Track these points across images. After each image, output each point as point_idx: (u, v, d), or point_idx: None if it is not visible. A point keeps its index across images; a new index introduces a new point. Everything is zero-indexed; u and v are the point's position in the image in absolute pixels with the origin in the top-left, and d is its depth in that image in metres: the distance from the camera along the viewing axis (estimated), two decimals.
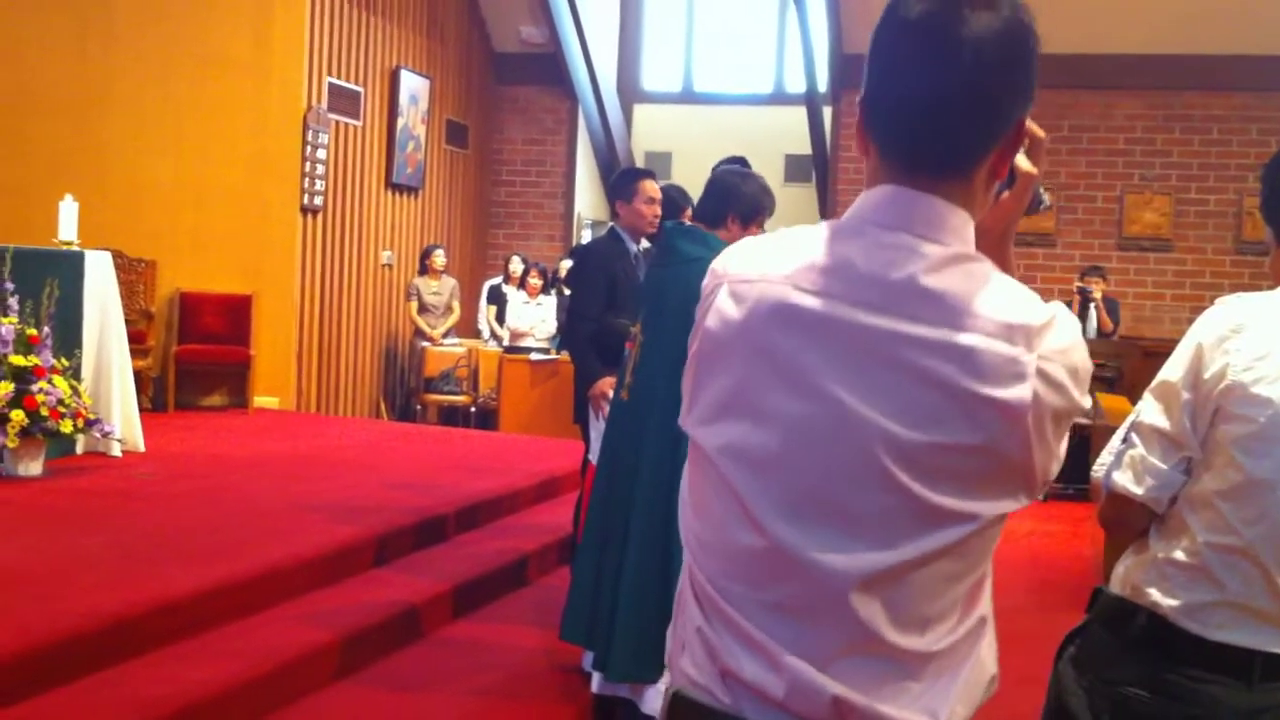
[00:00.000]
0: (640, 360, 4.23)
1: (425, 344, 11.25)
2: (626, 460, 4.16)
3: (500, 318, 11.55)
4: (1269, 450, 1.87)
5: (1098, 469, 2.07)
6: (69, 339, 6.65)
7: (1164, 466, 1.95)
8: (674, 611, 1.46)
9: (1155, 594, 1.96)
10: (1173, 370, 1.96)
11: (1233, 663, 1.90)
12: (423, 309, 11.36)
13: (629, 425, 4.20)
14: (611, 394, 4.64)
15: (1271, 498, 1.88)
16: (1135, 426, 2.00)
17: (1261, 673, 1.90)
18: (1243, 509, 1.89)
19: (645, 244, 5.46)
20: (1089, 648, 2.05)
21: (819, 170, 13.04)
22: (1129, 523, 2.03)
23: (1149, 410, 1.98)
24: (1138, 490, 1.97)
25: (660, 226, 5.15)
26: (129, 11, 9.41)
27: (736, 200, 4.24)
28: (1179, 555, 1.95)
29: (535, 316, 11.11)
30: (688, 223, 4.65)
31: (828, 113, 12.63)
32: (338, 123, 10.63)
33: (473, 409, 11.22)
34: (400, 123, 11.57)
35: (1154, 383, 1.98)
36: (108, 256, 7.16)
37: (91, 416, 6.39)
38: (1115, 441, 2.05)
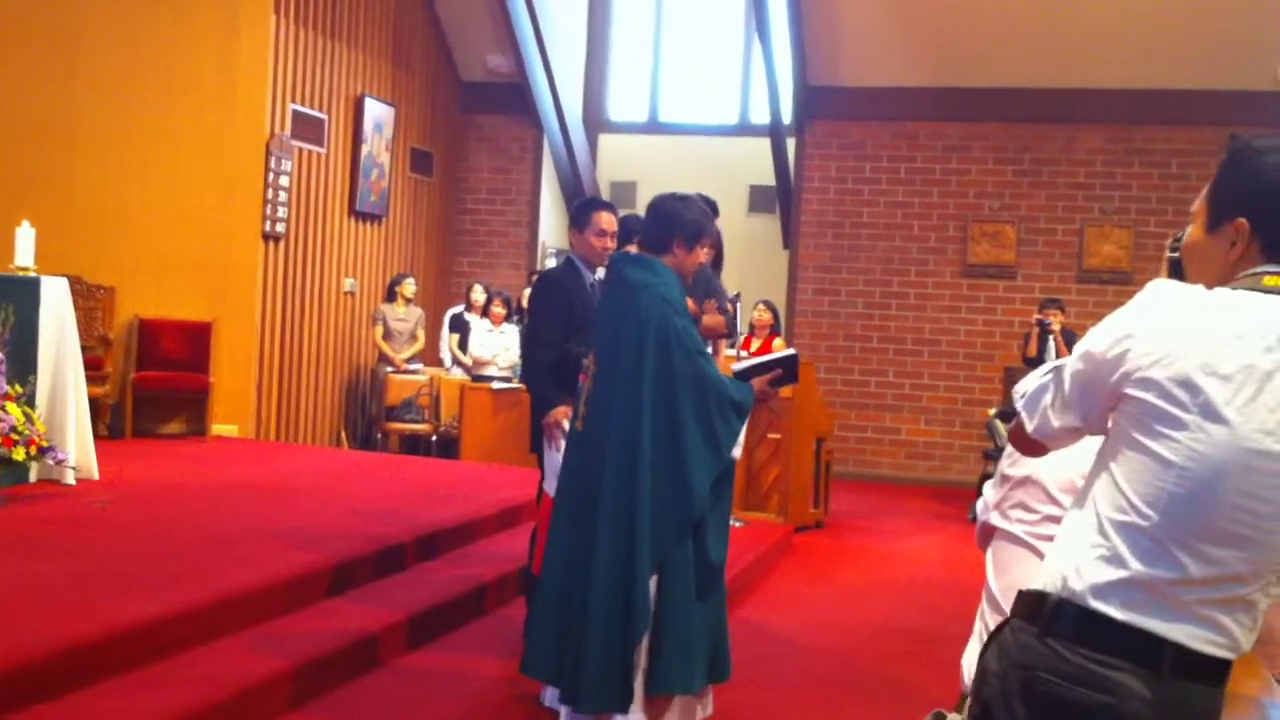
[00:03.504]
0: (594, 390, 4.22)
1: (389, 369, 11.21)
2: (587, 491, 4.14)
3: (463, 345, 11.52)
4: (1174, 434, 1.89)
5: (1020, 387, 2.18)
6: (23, 365, 6.58)
7: (1056, 424, 2.08)
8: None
9: (1067, 576, 1.98)
10: (1089, 340, 2.01)
11: (1141, 649, 1.90)
12: (387, 335, 11.33)
13: (586, 456, 4.18)
14: (567, 424, 4.62)
15: (1168, 475, 1.90)
16: (1056, 375, 2.08)
17: (1172, 668, 1.90)
18: (1144, 489, 1.92)
19: (602, 272, 5.44)
20: (1006, 638, 2.07)
21: (783, 201, 13.11)
22: (1022, 443, 2.17)
23: (1070, 366, 2.06)
24: (1029, 425, 2.12)
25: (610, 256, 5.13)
26: (94, 38, 9.37)
27: (679, 225, 4.28)
28: (1088, 535, 1.97)
29: (499, 345, 11.09)
30: (633, 250, 4.64)
31: (791, 144, 12.70)
32: (301, 149, 10.61)
33: (434, 437, 11.17)
34: (364, 150, 11.55)
35: (1080, 343, 2.04)
36: (64, 282, 7.09)
37: (45, 444, 6.31)
38: (1042, 370, 2.15)
